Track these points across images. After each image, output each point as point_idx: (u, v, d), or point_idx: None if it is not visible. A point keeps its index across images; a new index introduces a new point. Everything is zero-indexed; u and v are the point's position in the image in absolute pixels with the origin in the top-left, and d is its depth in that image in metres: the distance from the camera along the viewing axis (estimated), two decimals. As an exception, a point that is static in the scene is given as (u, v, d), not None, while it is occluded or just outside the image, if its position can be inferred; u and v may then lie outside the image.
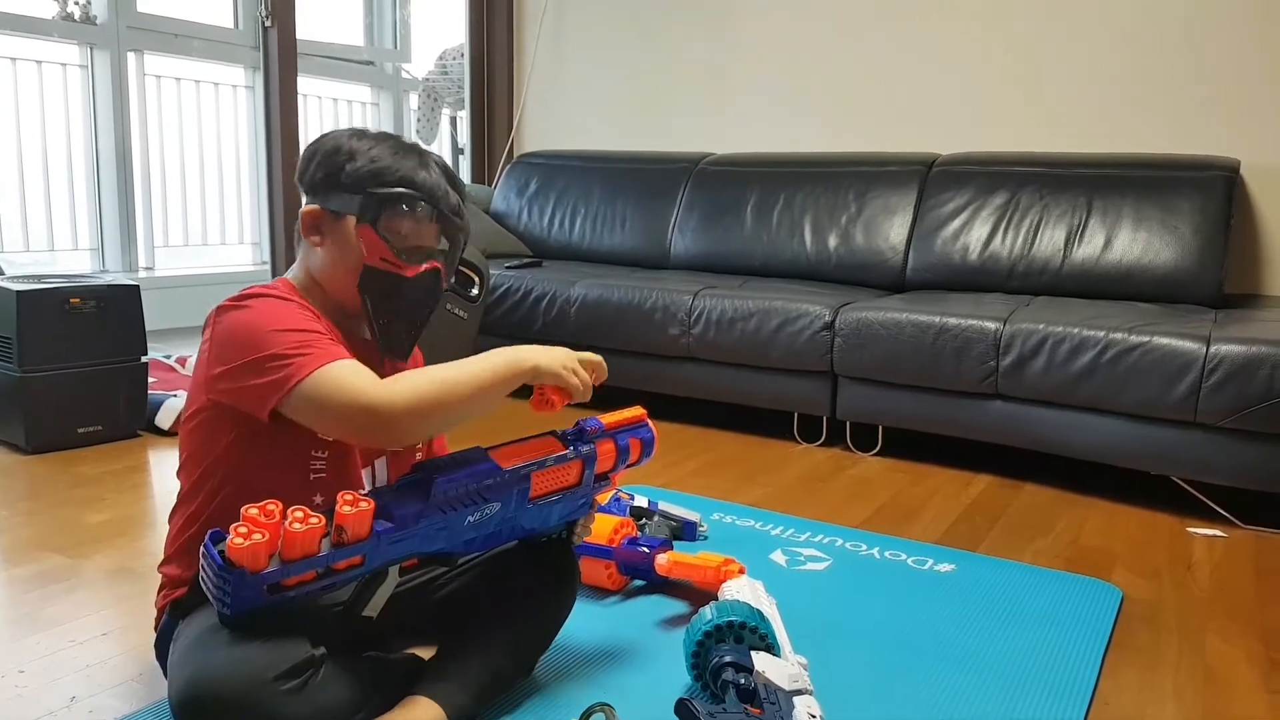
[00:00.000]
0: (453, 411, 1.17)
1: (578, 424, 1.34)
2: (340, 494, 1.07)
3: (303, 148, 1.35)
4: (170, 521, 1.27)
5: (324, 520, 1.05)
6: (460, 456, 1.21)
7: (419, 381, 1.16)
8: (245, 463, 1.20)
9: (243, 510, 1.03)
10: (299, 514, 1.04)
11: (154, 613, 1.28)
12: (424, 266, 1.28)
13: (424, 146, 1.33)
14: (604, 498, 1.92)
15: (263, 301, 1.20)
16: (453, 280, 1.37)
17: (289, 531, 1.03)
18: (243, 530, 1.01)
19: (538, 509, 1.27)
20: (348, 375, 1.13)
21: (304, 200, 1.30)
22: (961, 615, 1.64)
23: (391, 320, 1.28)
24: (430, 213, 1.27)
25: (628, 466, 1.40)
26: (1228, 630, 1.64)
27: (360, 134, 1.30)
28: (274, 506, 1.05)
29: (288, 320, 1.17)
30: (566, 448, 1.30)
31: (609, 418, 1.38)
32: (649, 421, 1.44)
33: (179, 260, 3.60)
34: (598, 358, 1.32)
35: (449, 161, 4.64)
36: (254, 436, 1.17)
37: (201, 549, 1.04)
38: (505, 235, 3.72)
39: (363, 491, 1.12)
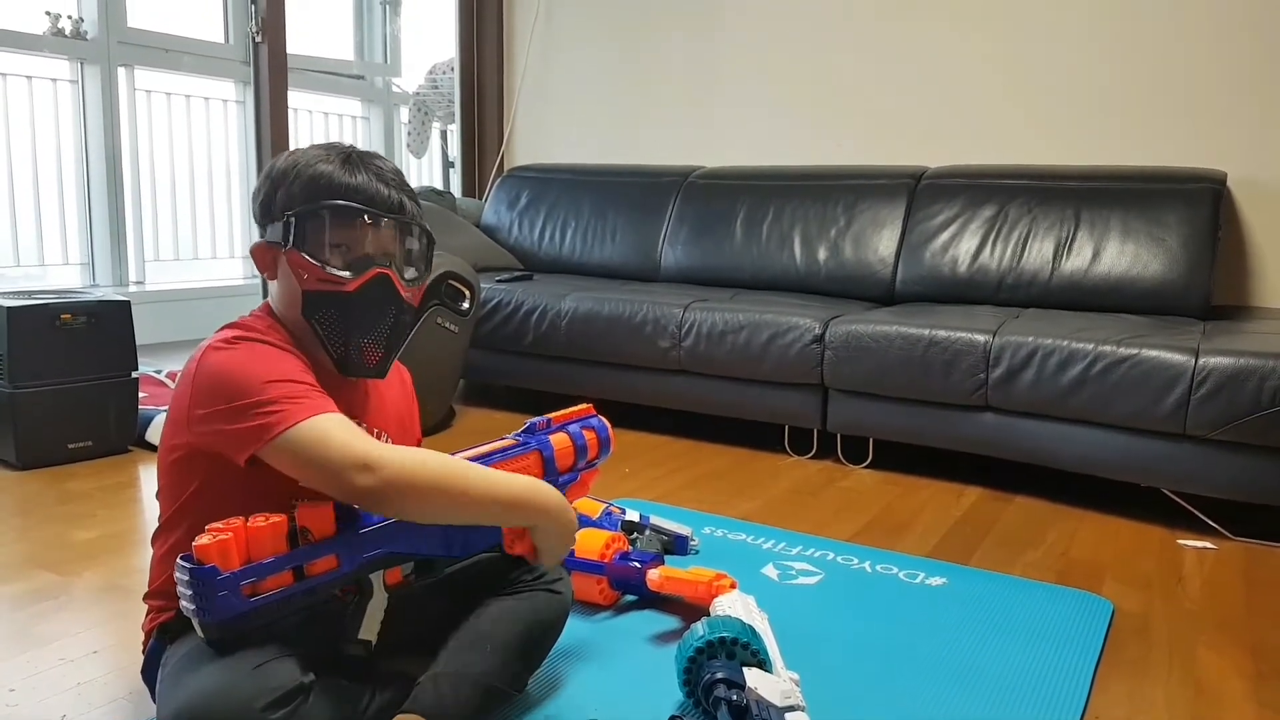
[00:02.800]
0: (450, 503, 1.12)
1: (526, 424, 1.36)
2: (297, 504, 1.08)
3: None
4: (153, 545, 1.27)
5: (286, 518, 1.06)
6: None
7: (430, 457, 1.12)
8: (219, 507, 1.17)
9: (206, 527, 1.04)
10: (260, 516, 1.05)
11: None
12: (366, 276, 1.22)
13: (364, 150, 1.30)
14: (595, 511, 1.93)
15: (249, 346, 1.18)
16: (426, 284, 1.35)
17: (252, 529, 1.03)
18: (208, 535, 1.02)
19: None
20: (339, 427, 1.09)
21: None
22: (953, 629, 1.64)
23: (347, 341, 1.24)
24: (360, 216, 1.22)
25: (590, 465, 1.41)
26: (1218, 642, 1.65)
27: (304, 150, 1.27)
28: (236, 520, 1.05)
29: (276, 368, 1.14)
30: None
31: (555, 414, 1.40)
32: (598, 415, 1.46)
33: (170, 274, 3.59)
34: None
35: (440, 174, 4.64)
36: (226, 481, 1.15)
37: (175, 570, 1.04)
38: (496, 249, 3.72)
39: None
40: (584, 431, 1.41)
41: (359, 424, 1.28)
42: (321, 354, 1.25)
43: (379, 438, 1.32)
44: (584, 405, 1.46)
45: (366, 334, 1.24)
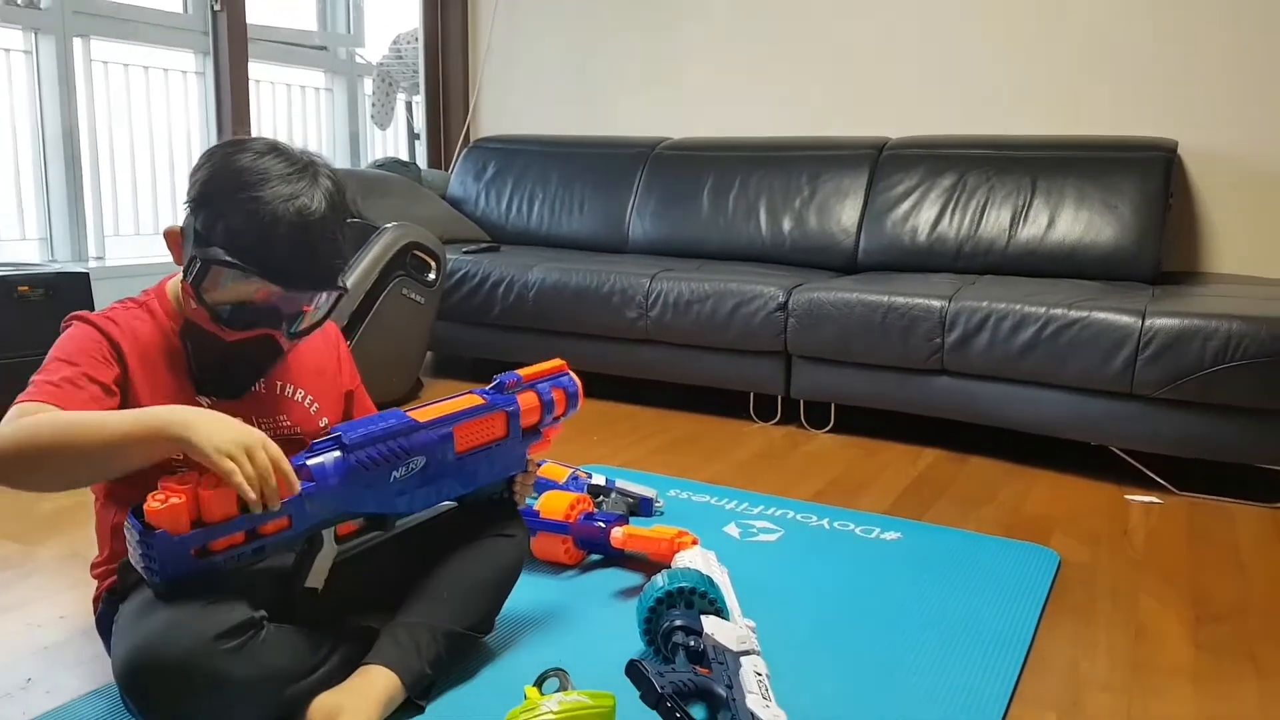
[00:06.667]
0: (67, 465, 1.06)
1: (495, 379, 1.37)
2: None
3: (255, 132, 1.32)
4: (97, 517, 1.30)
5: None
6: (375, 416, 1.23)
7: (32, 425, 1.06)
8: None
9: (160, 481, 1.05)
10: (211, 478, 1.05)
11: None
12: (250, 334, 1.21)
13: (325, 178, 1.21)
14: (561, 476, 1.96)
15: (77, 328, 1.21)
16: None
17: (204, 493, 1.04)
18: (160, 496, 1.03)
19: (468, 464, 1.29)
20: (13, 413, 1.09)
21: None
22: (906, 579, 1.70)
23: (212, 372, 1.24)
24: (271, 289, 1.19)
25: (556, 420, 1.43)
26: (1160, 590, 1.72)
27: (274, 152, 1.20)
28: (191, 477, 1.05)
29: (68, 353, 1.17)
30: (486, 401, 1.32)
31: (526, 371, 1.41)
32: (570, 372, 1.47)
33: (131, 249, 3.55)
34: (288, 468, 1.09)
35: (405, 146, 4.56)
36: None
37: (125, 524, 1.05)
38: (462, 220, 3.72)
39: None
40: (553, 390, 1.43)
41: (265, 384, 1.31)
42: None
43: (282, 391, 1.34)
44: (556, 361, 1.47)
45: (233, 377, 1.26)
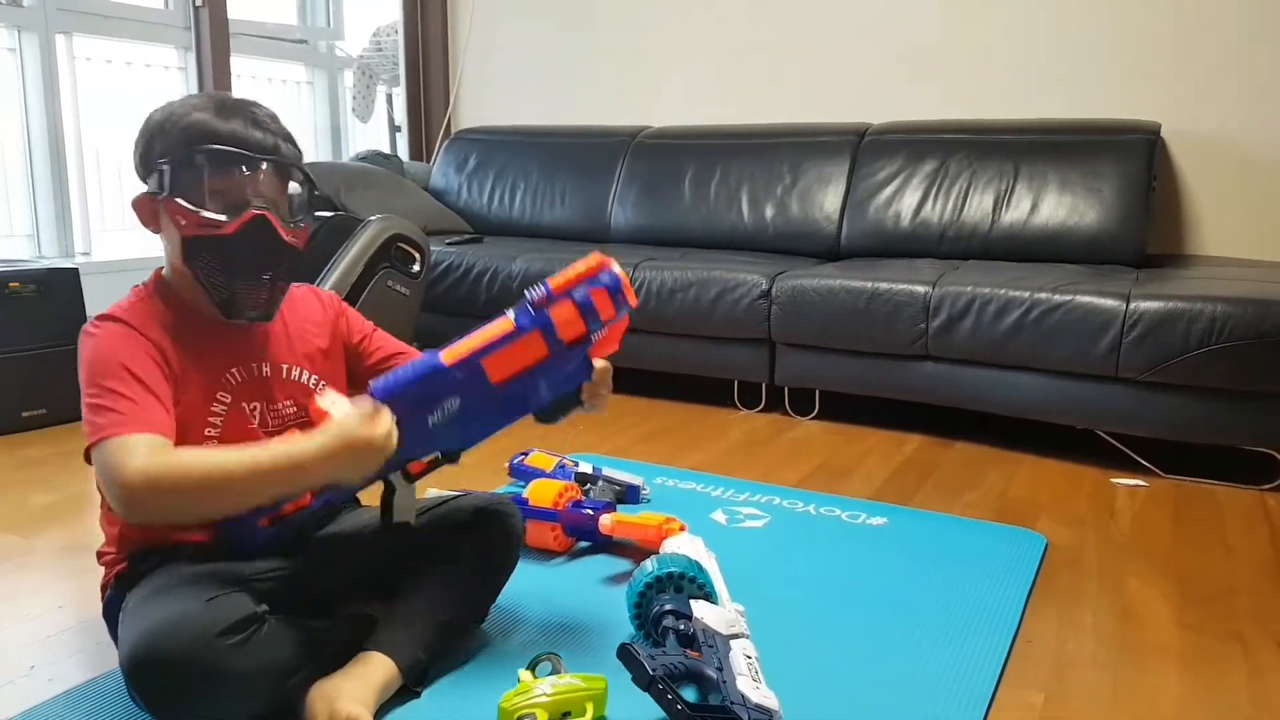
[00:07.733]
0: (217, 501, 1.12)
1: (522, 297, 1.25)
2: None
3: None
4: (101, 506, 1.29)
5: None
6: (405, 365, 1.24)
7: (189, 463, 1.10)
8: None
9: None
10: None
11: (108, 587, 1.30)
12: (243, 218, 1.20)
13: (241, 97, 1.30)
14: (549, 465, 1.97)
15: (108, 331, 1.20)
16: (310, 227, 1.32)
17: None
18: None
19: (514, 389, 1.24)
20: (127, 448, 1.09)
21: None
22: (892, 564, 1.71)
23: (231, 285, 1.23)
24: (234, 161, 1.21)
25: (610, 323, 1.27)
26: (1145, 572, 1.73)
27: (180, 100, 1.27)
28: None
29: (115, 363, 1.16)
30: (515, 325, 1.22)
31: (556, 279, 1.24)
32: (610, 267, 1.26)
33: (119, 244, 3.53)
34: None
35: (387, 138, 4.54)
36: None
37: None
38: (445, 212, 3.72)
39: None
40: (590, 293, 1.24)
41: (257, 366, 1.30)
42: (207, 303, 1.25)
43: (287, 375, 1.33)
44: (593, 258, 1.27)
45: (249, 277, 1.24)
